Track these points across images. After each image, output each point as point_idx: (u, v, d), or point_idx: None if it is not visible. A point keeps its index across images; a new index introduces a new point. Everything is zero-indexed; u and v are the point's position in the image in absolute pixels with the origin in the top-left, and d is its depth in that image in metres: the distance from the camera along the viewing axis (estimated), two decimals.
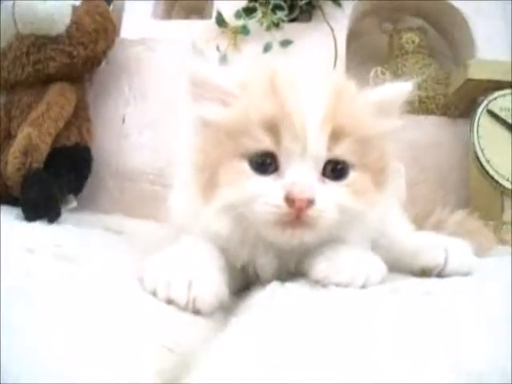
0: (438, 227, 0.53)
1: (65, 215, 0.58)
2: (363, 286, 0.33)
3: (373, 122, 0.36)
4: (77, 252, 0.37)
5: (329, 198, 0.33)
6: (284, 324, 0.27)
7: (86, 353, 0.23)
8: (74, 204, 0.61)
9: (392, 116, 0.37)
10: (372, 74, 0.77)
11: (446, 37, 0.86)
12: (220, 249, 0.35)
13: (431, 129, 0.74)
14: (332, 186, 0.34)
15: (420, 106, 0.78)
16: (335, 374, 0.21)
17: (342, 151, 0.34)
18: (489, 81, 0.67)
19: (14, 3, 0.62)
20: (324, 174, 0.34)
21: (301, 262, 0.36)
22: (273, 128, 0.33)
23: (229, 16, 0.77)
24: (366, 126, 0.35)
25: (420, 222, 0.54)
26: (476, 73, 0.66)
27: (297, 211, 0.32)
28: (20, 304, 0.25)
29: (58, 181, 0.58)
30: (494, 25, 0.78)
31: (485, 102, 0.65)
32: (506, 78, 0.67)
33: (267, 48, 0.74)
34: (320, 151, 0.33)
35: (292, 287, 0.33)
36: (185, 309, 0.29)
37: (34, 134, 0.56)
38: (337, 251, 0.35)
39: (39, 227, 0.49)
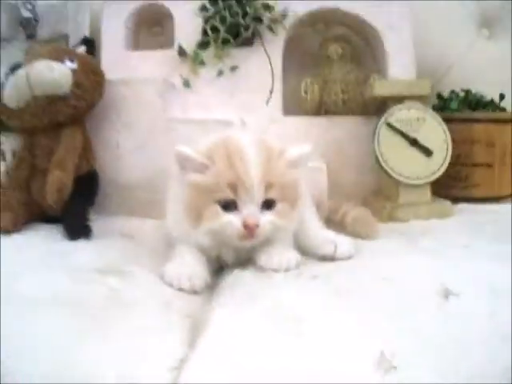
0: (342, 221, 0.85)
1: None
2: (286, 270, 0.65)
3: (288, 174, 0.65)
4: (120, 266, 0.70)
5: (266, 222, 0.63)
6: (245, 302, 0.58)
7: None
8: (95, 217, 0.92)
9: (299, 167, 0.67)
10: (303, 84, 1.06)
11: (368, 45, 1.13)
12: (201, 250, 0.69)
13: (352, 127, 1.04)
14: (267, 214, 0.64)
15: (343, 106, 1.08)
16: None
17: (271, 195, 0.63)
18: (390, 96, 0.97)
19: (27, 74, 0.88)
20: (263, 207, 0.63)
21: (251, 253, 0.68)
22: (233, 187, 0.61)
23: (187, 46, 1.03)
24: (284, 178, 0.64)
25: (332, 216, 0.87)
26: (380, 90, 0.96)
27: (250, 232, 0.62)
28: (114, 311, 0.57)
29: (83, 204, 0.89)
30: (402, 39, 1.05)
31: (384, 116, 0.94)
32: (404, 93, 0.96)
33: (220, 73, 1.02)
34: (260, 197, 0.62)
35: (248, 273, 0.66)
36: (189, 292, 0.63)
37: (65, 177, 0.85)
38: (271, 248, 0.67)
39: (84, 246, 0.79)
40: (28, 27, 1.10)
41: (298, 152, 0.67)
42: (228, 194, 0.62)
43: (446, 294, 0.54)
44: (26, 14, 1.09)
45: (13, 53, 1.14)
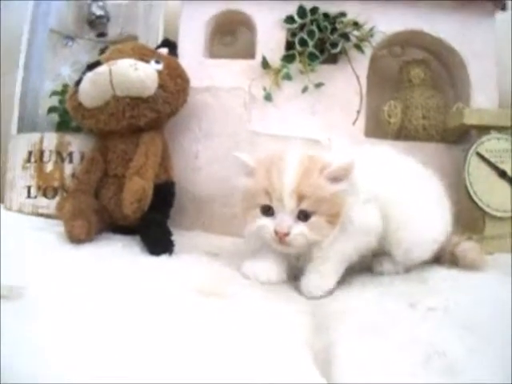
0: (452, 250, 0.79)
1: None
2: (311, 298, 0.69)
3: (325, 187, 0.66)
4: (219, 287, 0.68)
5: (297, 232, 0.66)
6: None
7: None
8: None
9: (342, 181, 0.67)
10: (386, 107, 1.06)
11: (448, 71, 1.13)
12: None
13: (431, 154, 1.02)
14: (301, 225, 0.66)
15: (423, 132, 1.07)
16: None
17: (305, 206, 0.66)
18: (479, 125, 0.96)
19: (110, 70, 0.85)
20: (299, 217, 0.66)
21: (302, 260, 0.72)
22: (268, 194, 0.67)
23: (269, 58, 1.02)
24: (322, 191, 0.66)
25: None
26: (469, 119, 0.96)
27: (280, 238, 0.66)
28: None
29: (162, 216, 0.86)
30: (486, 67, 1.05)
31: (474, 146, 0.94)
32: (493, 122, 0.96)
33: (304, 89, 1.01)
34: (291, 207, 0.65)
35: (354, 300, 0.68)
36: (265, 283, 0.71)
37: (146, 185, 0.80)
38: (316, 269, 0.70)
39: (169, 261, 0.76)
40: (99, 26, 1.08)
41: (338, 165, 0.67)
42: (265, 200, 0.67)
43: None
44: (98, 11, 1.07)
45: (77, 51, 1.13)
